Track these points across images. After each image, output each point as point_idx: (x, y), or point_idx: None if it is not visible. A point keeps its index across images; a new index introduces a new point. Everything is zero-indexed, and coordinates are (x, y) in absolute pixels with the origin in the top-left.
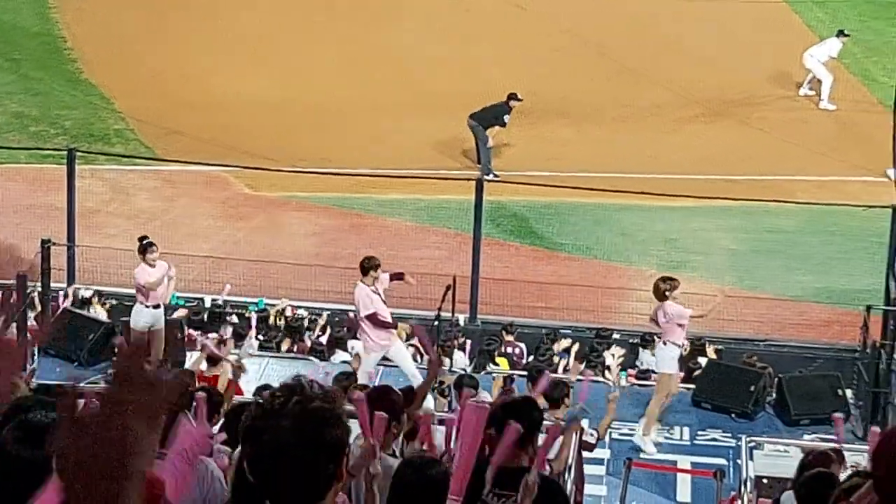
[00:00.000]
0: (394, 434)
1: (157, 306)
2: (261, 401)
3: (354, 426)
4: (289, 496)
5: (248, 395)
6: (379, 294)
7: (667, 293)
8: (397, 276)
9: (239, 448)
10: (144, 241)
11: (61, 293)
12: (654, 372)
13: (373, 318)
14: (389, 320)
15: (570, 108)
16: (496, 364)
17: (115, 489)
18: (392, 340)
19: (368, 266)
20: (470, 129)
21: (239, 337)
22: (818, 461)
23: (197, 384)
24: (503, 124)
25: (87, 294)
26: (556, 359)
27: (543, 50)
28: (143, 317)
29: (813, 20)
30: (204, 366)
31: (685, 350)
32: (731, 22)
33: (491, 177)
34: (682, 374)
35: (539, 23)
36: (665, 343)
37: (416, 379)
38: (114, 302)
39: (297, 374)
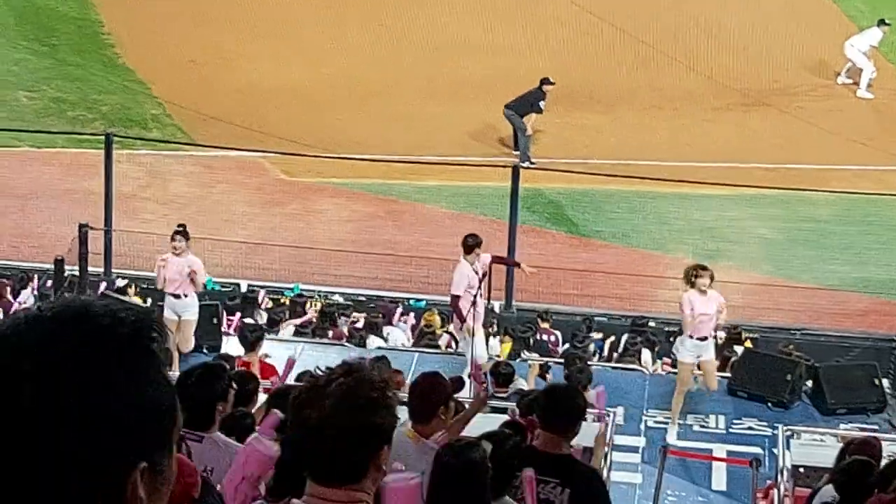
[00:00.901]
0: (441, 420)
1: (175, 296)
2: (315, 375)
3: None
4: (321, 472)
5: (289, 380)
6: (478, 273)
7: (692, 279)
8: (498, 260)
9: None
10: (175, 229)
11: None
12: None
13: (453, 301)
14: (467, 308)
15: (606, 95)
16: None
17: None
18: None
19: (473, 244)
20: (507, 120)
21: (273, 322)
22: (860, 449)
23: (236, 368)
24: (539, 111)
25: (122, 283)
26: (591, 347)
27: (579, 36)
28: (167, 304)
29: (851, 10)
30: (241, 351)
31: (718, 339)
32: (769, 10)
33: (528, 164)
34: (694, 364)
35: (574, 8)
36: (681, 332)
37: (482, 360)
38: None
39: (360, 357)
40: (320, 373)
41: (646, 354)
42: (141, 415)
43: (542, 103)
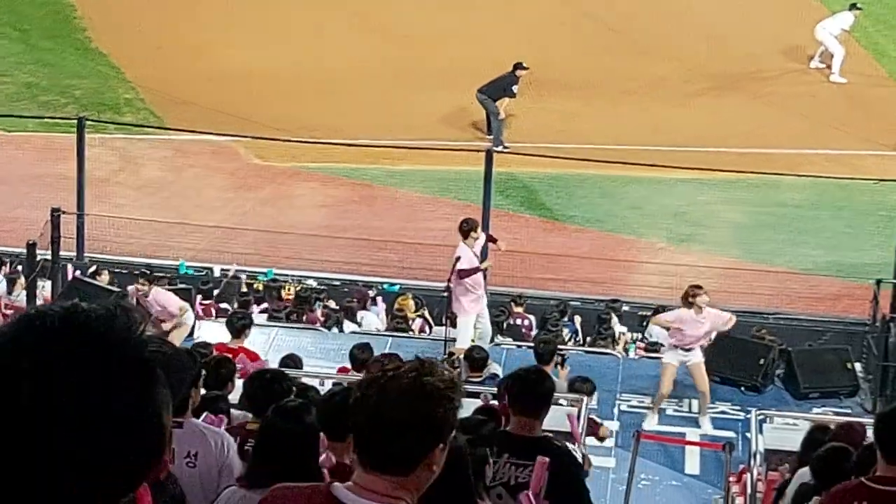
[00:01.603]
0: None
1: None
2: (385, 363)
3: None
4: (371, 456)
5: (269, 364)
6: (477, 255)
7: (689, 299)
8: (491, 239)
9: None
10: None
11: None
12: (662, 345)
13: (461, 275)
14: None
15: (579, 81)
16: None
17: None
18: (481, 302)
19: (468, 228)
20: (480, 104)
21: (244, 306)
22: (844, 434)
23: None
24: (512, 95)
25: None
26: (565, 332)
27: (551, 22)
28: None
29: None
30: (227, 338)
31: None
32: None
33: (501, 148)
34: (677, 366)
35: None
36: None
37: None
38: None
39: (428, 356)
40: (385, 362)
41: (621, 329)
42: (140, 417)
43: (514, 88)
